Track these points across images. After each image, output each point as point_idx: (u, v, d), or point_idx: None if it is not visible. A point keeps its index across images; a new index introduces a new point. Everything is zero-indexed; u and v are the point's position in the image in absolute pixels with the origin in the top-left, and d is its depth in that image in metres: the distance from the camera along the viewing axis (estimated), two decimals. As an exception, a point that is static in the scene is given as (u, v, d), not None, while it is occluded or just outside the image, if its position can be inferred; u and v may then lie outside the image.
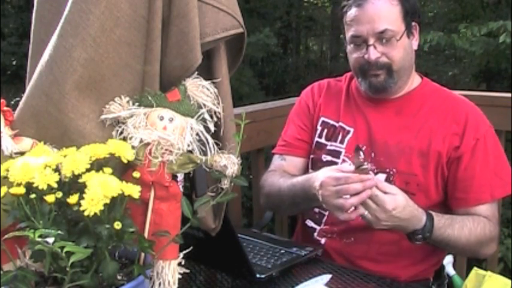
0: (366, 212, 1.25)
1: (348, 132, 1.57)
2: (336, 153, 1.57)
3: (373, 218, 1.26)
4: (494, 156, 1.46)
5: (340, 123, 1.59)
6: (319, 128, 1.62)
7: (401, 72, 1.49)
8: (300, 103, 1.70)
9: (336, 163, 1.55)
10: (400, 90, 1.53)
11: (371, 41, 1.44)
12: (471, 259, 2.07)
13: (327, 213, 1.54)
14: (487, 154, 1.44)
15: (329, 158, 1.57)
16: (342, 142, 1.57)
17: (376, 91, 1.50)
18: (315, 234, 1.55)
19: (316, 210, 1.57)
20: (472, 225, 1.39)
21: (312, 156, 1.62)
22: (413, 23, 1.50)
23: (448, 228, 1.35)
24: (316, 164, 1.60)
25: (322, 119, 1.63)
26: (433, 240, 1.35)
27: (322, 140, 1.61)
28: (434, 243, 1.39)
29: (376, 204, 1.24)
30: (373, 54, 1.44)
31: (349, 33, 1.49)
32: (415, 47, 1.53)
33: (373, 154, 1.51)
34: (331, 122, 1.61)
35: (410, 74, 1.55)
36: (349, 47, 1.52)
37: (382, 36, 1.44)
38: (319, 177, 1.33)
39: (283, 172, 1.61)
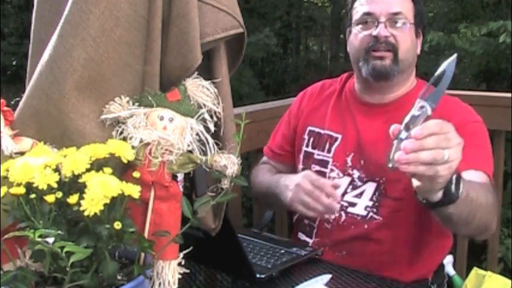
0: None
1: (336, 139, 1.54)
2: (323, 163, 1.55)
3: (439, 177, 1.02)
4: (481, 146, 1.39)
5: (327, 131, 1.56)
6: (306, 137, 1.61)
7: (405, 64, 1.46)
8: (290, 109, 1.70)
9: (324, 173, 1.54)
10: (397, 88, 1.50)
11: (382, 19, 1.43)
12: (471, 259, 2.07)
13: (316, 224, 1.53)
14: (472, 140, 1.28)
15: (318, 167, 1.55)
16: (329, 151, 1.54)
17: (378, 76, 1.45)
18: None
19: (306, 221, 1.56)
20: (475, 183, 1.25)
21: (301, 166, 1.60)
22: (419, 28, 1.50)
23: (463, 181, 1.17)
24: None
25: (309, 128, 1.61)
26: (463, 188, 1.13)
27: (309, 149, 1.59)
28: (463, 199, 1.13)
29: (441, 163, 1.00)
30: (383, 31, 1.42)
31: (359, 13, 1.47)
32: (417, 50, 1.52)
33: (362, 161, 1.48)
34: (317, 130, 1.59)
35: (411, 74, 1.53)
36: (356, 30, 1.48)
37: (394, 18, 1.43)
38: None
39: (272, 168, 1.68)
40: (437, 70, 1.01)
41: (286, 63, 9.62)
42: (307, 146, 1.60)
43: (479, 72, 7.03)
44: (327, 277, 1.19)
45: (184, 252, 0.92)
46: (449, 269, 1.70)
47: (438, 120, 0.98)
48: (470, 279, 1.14)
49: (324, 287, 1.15)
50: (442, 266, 1.62)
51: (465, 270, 1.95)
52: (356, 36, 1.49)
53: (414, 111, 0.98)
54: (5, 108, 0.88)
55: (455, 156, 1.00)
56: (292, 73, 9.32)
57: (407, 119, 0.98)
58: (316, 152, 1.57)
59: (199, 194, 0.98)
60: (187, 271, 0.93)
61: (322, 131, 1.57)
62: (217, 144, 0.96)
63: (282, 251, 1.34)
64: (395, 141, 0.98)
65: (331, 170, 1.52)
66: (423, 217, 1.41)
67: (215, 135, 0.97)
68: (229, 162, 0.93)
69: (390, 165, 0.99)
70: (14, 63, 6.98)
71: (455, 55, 1.03)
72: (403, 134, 0.97)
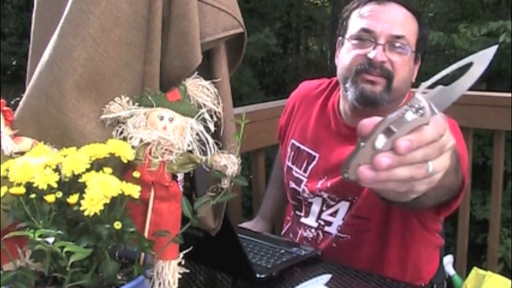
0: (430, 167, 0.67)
1: (313, 159, 1.49)
2: (298, 181, 1.51)
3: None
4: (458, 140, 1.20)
5: (306, 148, 1.51)
6: (289, 150, 1.57)
7: (397, 94, 1.33)
8: (278, 123, 1.68)
9: (298, 191, 1.52)
10: (383, 114, 1.34)
11: (382, 40, 1.29)
12: (471, 259, 2.07)
13: (297, 240, 1.52)
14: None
15: (293, 185, 1.53)
16: (305, 170, 1.50)
17: (365, 102, 1.31)
18: None
19: (291, 235, 1.56)
20: None
21: (285, 180, 1.59)
22: (419, 53, 1.38)
23: None
24: (287, 189, 1.58)
25: (291, 141, 1.57)
26: None
27: (290, 164, 1.56)
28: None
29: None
30: (380, 55, 1.28)
31: (357, 27, 1.32)
32: (413, 78, 1.40)
33: (329, 184, 1.43)
34: (297, 145, 1.54)
35: (401, 101, 1.39)
36: (349, 44, 1.34)
37: (395, 42, 1.30)
38: None
39: None
40: (461, 60, 0.72)
41: (286, 63, 9.62)
42: (288, 159, 1.56)
43: (479, 72, 7.02)
44: (327, 277, 1.19)
45: (184, 252, 0.92)
46: (449, 269, 1.71)
47: (439, 121, 0.65)
48: (470, 279, 1.14)
49: (324, 287, 1.15)
50: (442, 267, 1.62)
51: (465, 270, 1.95)
52: (348, 52, 1.34)
53: (405, 112, 0.66)
54: (5, 108, 0.88)
55: (441, 167, 0.68)
56: (292, 73, 9.31)
57: (390, 120, 0.66)
58: (294, 168, 1.53)
59: (199, 194, 0.98)
60: (187, 271, 0.92)
61: (301, 147, 1.52)
62: (217, 144, 0.96)
63: (282, 251, 1.34)
64: (362, 144, 0.66)
65: (303, 191, 1.50)
66: (395, 233, 1.38)
67: (215, 135, 0.97)
68: (229, 162, 0.93)
69: (346, 175, 0.68)
70: (14, 63, 6.99)
71: (495, 46, 0.70)
72: (380, 141, 0.65)
